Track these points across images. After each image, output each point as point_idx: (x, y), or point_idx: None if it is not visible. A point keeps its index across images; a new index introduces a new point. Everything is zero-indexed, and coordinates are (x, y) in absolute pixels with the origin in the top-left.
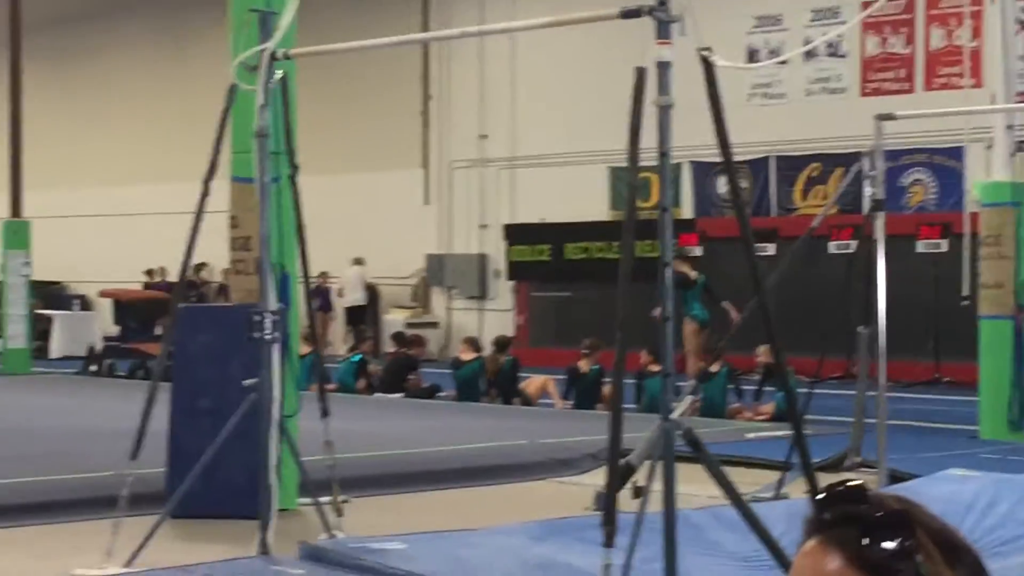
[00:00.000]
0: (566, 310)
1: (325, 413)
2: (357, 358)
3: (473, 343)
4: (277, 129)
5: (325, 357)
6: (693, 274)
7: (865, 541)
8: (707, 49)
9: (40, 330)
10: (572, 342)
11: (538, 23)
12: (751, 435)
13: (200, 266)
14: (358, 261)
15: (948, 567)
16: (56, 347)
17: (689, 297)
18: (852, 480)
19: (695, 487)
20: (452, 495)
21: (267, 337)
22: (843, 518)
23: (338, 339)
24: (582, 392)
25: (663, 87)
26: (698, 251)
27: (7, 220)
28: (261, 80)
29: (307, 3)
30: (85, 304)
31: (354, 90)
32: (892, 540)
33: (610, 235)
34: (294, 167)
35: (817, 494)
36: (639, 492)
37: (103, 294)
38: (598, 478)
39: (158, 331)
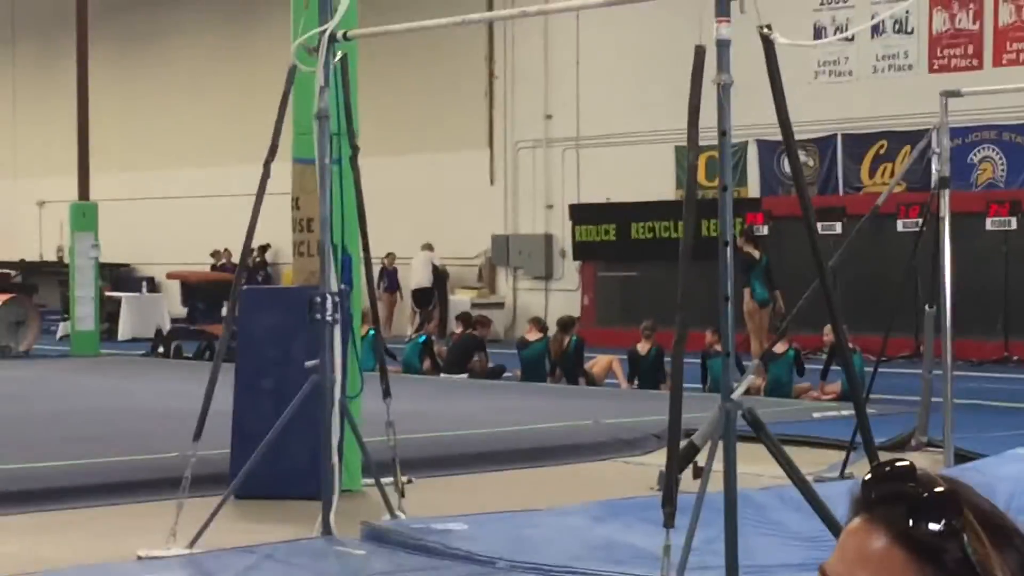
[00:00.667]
0: (632, 290)
1: (386, 394)
2: (423, 339)
3: (539, 323)
4: (338, 110)
5: (392, 338)
6: (756, 253)
7: (911, 520)
8: (767, 26)
9: (108, 312)
10: (638, 322)
11: (601, 1)
12: (817, 415)
13: (264, 248)
14: (427, 246)
15: (995, 549)
16: (124, 329)
17: (752, 277)
18: (902, 460)
19: (760, 467)
20: (516, 475)
21: (328, 318)
22: (890, 497)
23: (405, 320)
24: (644, 373)
25: (723, 65)
26: (764, 230)
27: (75, 203)
28: (321, 61)
29: None
30: (153, 286)
31: (420, 71)
32: (939, 520)
33: (676, 214)
34: (355, 148)
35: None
36: (699, 472)
37: (170, 276)
38: (662, 458)
39: (224, 313)
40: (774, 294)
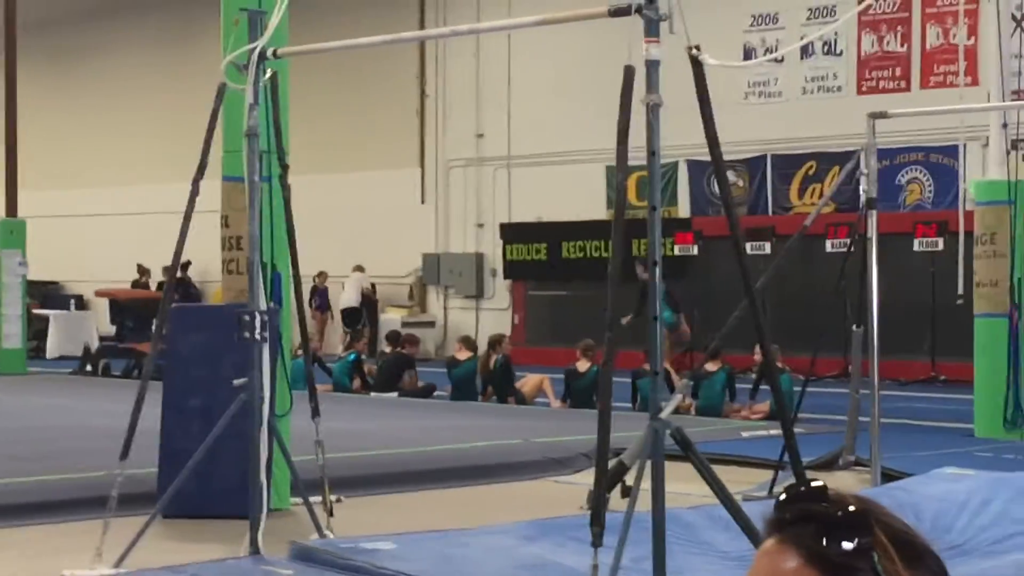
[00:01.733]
0: (563, 309)
1: (315, 412)
2: (352, 357)
3: (468, 342)
4: (267, 128)
5: (324, 356)
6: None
7: (823, 540)
8: (696, 47)
9: (36, 330)
10: (569, 341)
11: (530, 21)
12: (746, 434)
13: (186, 264)
14: (358, 268)
15: (907, 567)
16: (52, 347)
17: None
18: (815, 480)
19: (689, 486)
20: (446, 494)
21: (257, 337)
22: (802, 517)
23: (336, 339)
24: (580, 392)
25: (652, 85)
26: (694, 250)
27: (3, 219)
28: (250, 79)
29: (302, 2)
30: (81, 303)
31: (351, 89)
32: (850, 539)
33: (607, 234)
34: (284, 166)
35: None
36: (628, 491)
37: (99, 294)
38: (592, 477)
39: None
40: (678, 317)
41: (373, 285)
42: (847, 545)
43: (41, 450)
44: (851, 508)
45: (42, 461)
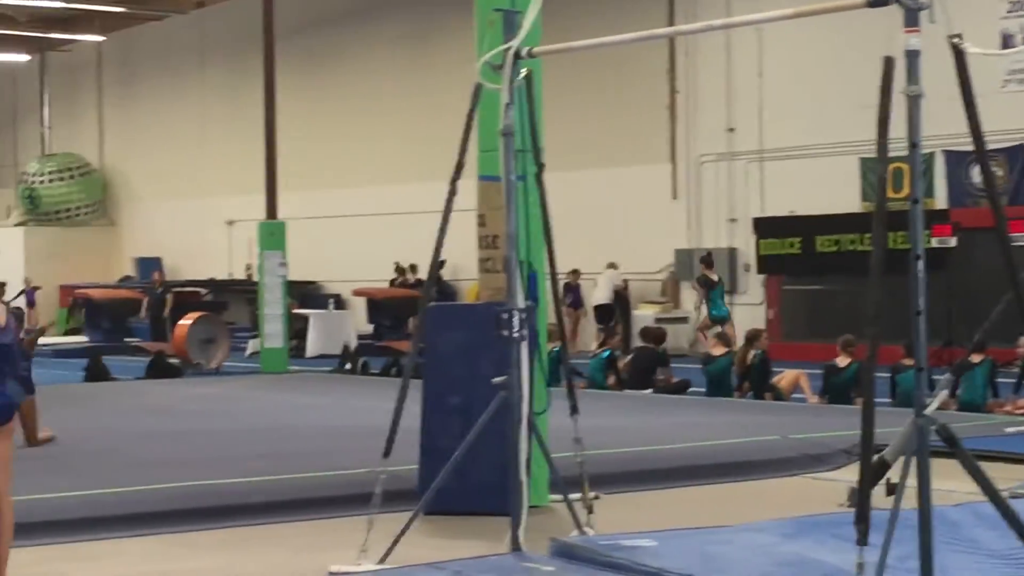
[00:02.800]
0: (818, 303)
1: (574, 410)
2: (606, 354)
3: (723, 338)
4: (523, 127)
5: (576, 354)
6: (715, 277)
7: None
8: (957, 36)
9: (296, 329)
10: (824, 336)
11: (783, 14)
12: (1011, 429)
13: (440, 264)
14: (612, 265)
15: None
16: (312, 346)
17: (714, 296)
18: None
19: (953, 483)
20: (703, 491)
21: (515, 335)
22: None
23: (589, 336)
24: (838, 388)
25: (912, 76)
26: (952, 242)
27: (263, 221)
28: (506, 79)
29: (553, 1)
30: (339, 303)
31: (601, 86)
32: None
33: (861, 227)
34: (540, 165)
35: None
36: (892, 489)
37: (356, 293)
38: (851, 474)
39: (409, 329)
40: None
41: (626, 282)
42: None
43: (303, 447)
44: None
45: (305, 458)
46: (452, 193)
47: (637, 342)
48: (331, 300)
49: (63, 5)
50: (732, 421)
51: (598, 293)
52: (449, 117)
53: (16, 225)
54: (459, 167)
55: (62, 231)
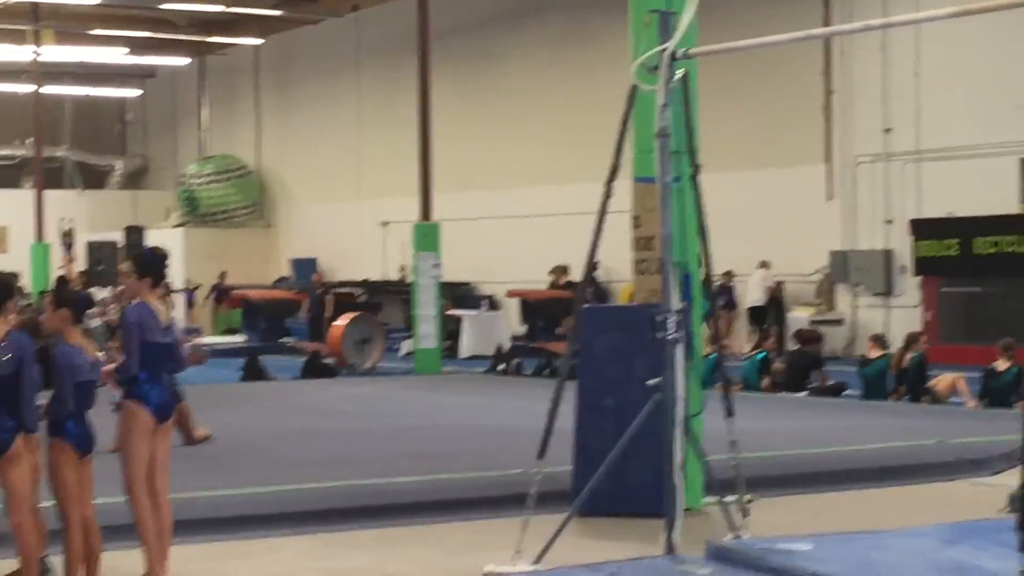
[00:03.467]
0: (976, 306)
1: (730, 412)
2: (761, 356)
3: (880, 340)
4: (678, 128)
5: (729, 356)
6: None
7: None
8: None
9: (450, 330)
10: (983, 338)
11: (944, 13)
12: None
13: (594, 265)
14: (763, 264)
15: None
16: (465, 347)
17: None
18: None
19: None
20: (859, 495)
21: (670, 337)
22: None
23: (742, 338)
24: (997, 392)
25: None
26: None
27: (418, 223)
28: (662, 80)
29: (706, 1)
30: (493, 304)
31: (754, 87)
32: None
33: (1021, 228)
34: (696, 167)
35: None
36: None
37: (510, 294)
38: (1012, 479)
39: (560, 330)
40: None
41: (780, 283)
42: None
43: (457, 448)
44: None
45: (459, 459)
46: (607, 195)
47: (792, 345)
48: (484, 301)
49: (222, 9)
50: (888, 424)
51: (751, 295)
52: (604, 118)
53: (176, 226)
54: (614, 169)
55: (220, 232)
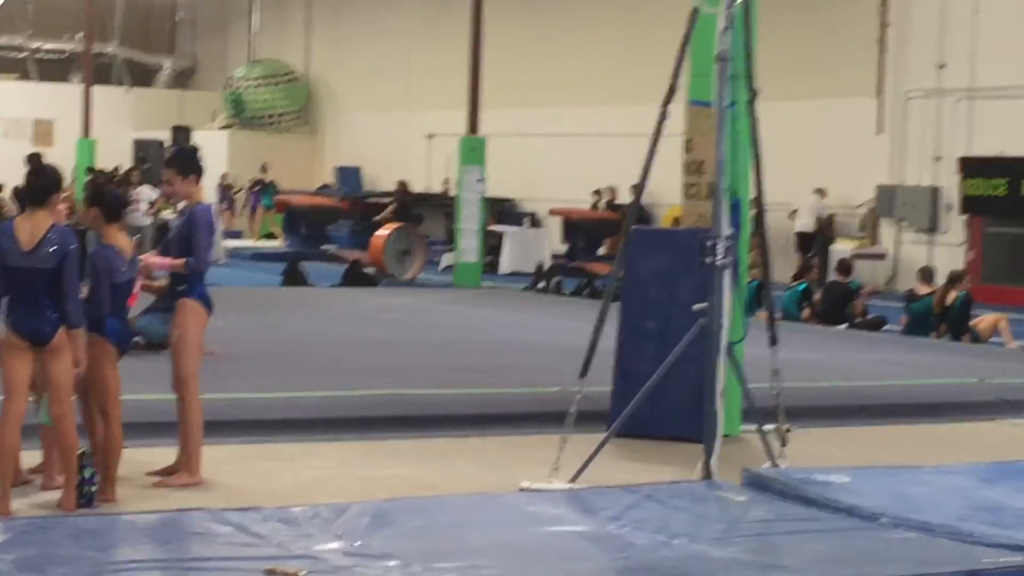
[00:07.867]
0: (1022, 247)
1: (773, 341)
2: (802, 287)
3: (929, 276)
4: (737, 53)
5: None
6: None
7: None
8: None
9: (491, 245)
10: None
11: None
12: None
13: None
14: (818, 191)
15: None
16: (505, 263)
17: None
18: None
19: None
20: (897, 430)
21: (719, 262)
22: None
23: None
24: None
25: None
26: None
27: (464, 136)
28: (724, 3)
29: None
30: (535, 222)
31: (810, 16)
32: None
33: None
34: (753, 92)
35: None
36: None
37: (553, 212)
38: None
39: (601, 251)
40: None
41: (832, 215)
42: None
43: (497, 363)
44: None
45: (498, 374)
46: (663, 117)
47: (833, 276)
48: (527, 218)
49: None
50: (929, 361)
51: (801, 219)
52: (660, 39)
53: (221, 128)
54: (671, 91)
55: (265, 136)
